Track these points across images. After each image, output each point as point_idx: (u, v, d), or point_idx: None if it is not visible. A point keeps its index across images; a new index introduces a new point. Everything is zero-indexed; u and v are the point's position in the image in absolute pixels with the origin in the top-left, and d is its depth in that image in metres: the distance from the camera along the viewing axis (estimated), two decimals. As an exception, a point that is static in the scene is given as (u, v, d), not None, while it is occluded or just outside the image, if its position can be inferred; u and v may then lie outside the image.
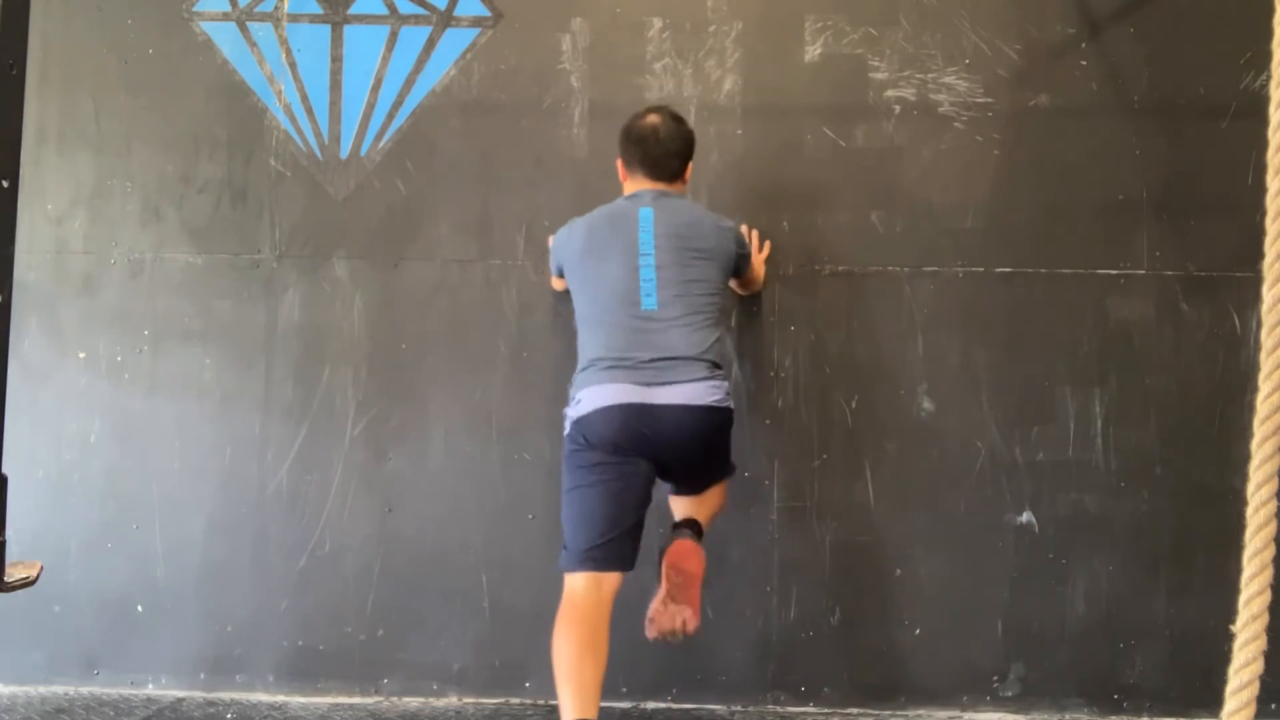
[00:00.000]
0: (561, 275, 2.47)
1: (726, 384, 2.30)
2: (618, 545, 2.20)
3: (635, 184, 2.41)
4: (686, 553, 2.26)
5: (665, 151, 2.38)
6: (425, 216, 2.82)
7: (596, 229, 2.35)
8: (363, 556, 2.75)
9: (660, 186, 2.38)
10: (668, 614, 2.23)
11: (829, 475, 2.72)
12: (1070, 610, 2.67)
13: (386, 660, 2.73)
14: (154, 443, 2.79)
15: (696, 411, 2.21)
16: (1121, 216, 2.74)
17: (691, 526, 2.35)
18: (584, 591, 2.18)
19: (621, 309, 2.25)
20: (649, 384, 2.19)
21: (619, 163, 2.45)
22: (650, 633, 2.25)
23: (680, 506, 2.43)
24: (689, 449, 2.26)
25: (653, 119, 2.40)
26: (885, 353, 2.74)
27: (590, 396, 2.22)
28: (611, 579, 2.20)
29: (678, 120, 2.42)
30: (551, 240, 2.53)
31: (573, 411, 2.26)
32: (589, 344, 2.30)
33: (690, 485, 2.40)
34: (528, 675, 2.70)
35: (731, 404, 2.32)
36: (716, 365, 2.28)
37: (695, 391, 2.21)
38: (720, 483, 2.45)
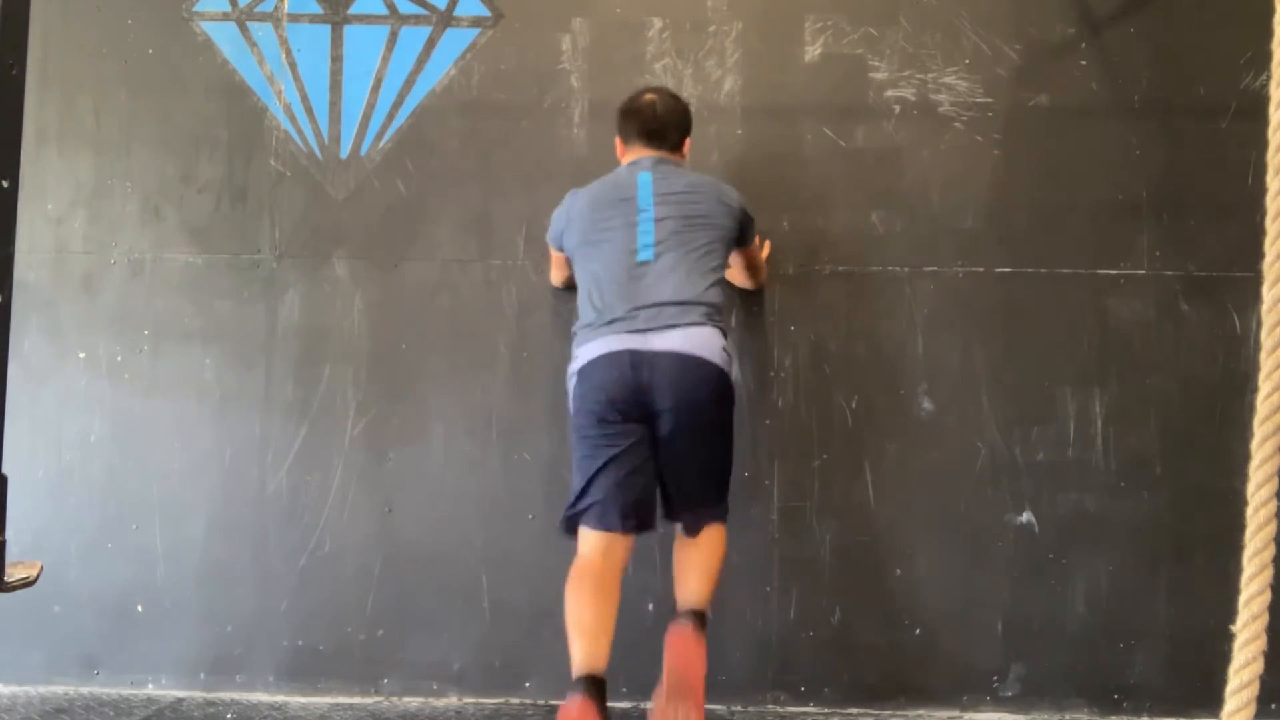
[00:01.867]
0: (560, 249, 2.47)
1: (725, 336, 2.27)
2: (627, 504, 2.21)
3: (633, 153, 2.43)
4: (690, 660, 2.13)
5: (663, 123, 2.41)
6: (425, 216, 2.82)
7: (598, 196, 2.37)
8: (363, 556, 2.75)
9: (659, 154, 2.40)
10: (669, 711, 2.10)
11: (829, 475, 2.72)
12: (1070, 610, 2.67)
13: (386, 660, 2.73)
14: (154, 443, 2.79)
15: (691, 361, 2.20)
16: (1121, 216, 2.74)
17: (696, 621, 2.22)
18: (593, 553, 2.20)
19: (619, 264, 2.27)
20: (644, 330, 2.20)
21: (617, 140, 2.47)
22: None
23: (683, 573, 2.33)
24: (684, 404, 2.21)
25: (650, 95, 2.45)
26: (885, 353, 2.74)
27: (587, 350, 2.25)
28: (622, 541, 2.21)
29: (674, 97, 2.47)
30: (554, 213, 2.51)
31: (572, 368, 2.29)
32: (586, 303, 2.31)
33: (687, 488, 2.32)
34: (528, 675, 2.70)
35: (730, 370, 2.29)
36: (715, 312, 2.27)
37: (690, 338, 2.20)
38: (717, 525, 2.37)
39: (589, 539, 2.22)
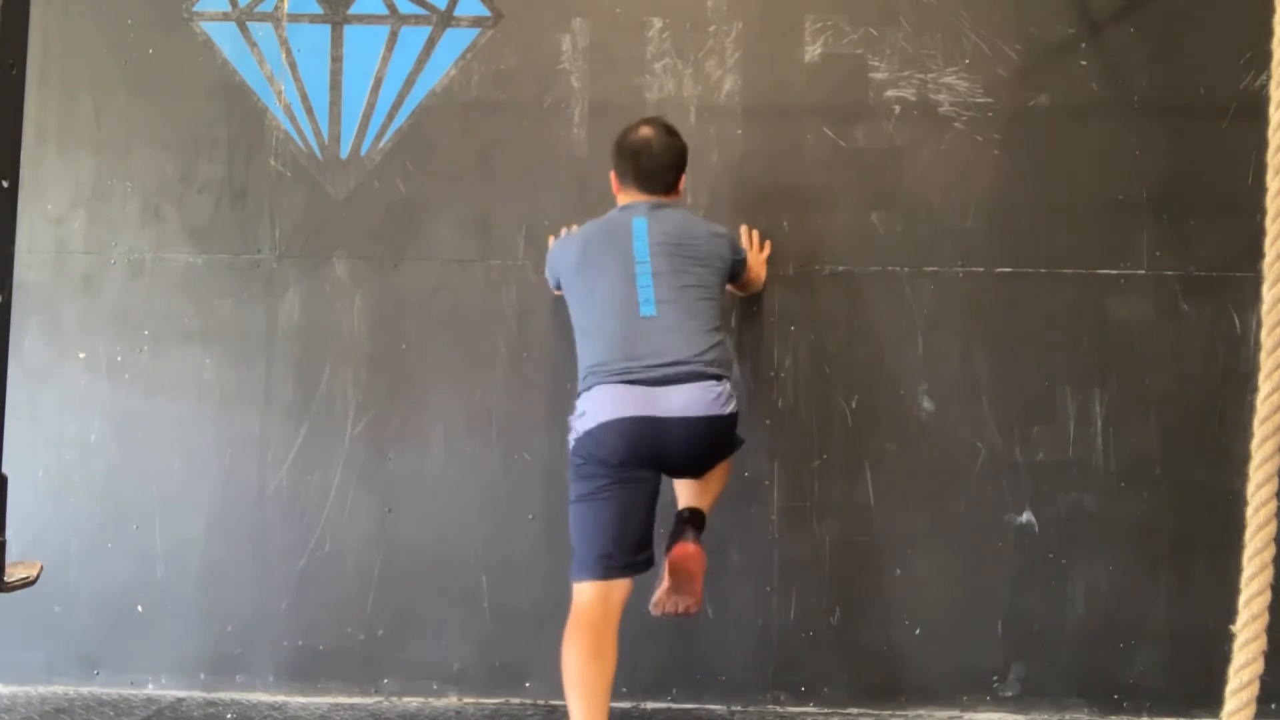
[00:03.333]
0: (559, 288, 2.48)
1: (730, 389, 2.28)
2: (627, 554, 2.20)
3: (628, 196, 2.41)
4: (688, 557, 2.30)
5: (658, 165, 2.37)
6: (425, 216, 2.82)
7: (591, 241, 2.35)
8: (363, 556, 2.75)
9: (654, 199, 2.38)
10: (671, 601, 2.35)
11: (829, 475, 2.72)
12: (1070, 610, 2.67)
13: (386, 660, 2.73)
14: (154, 443, 2.79)
15: (700, 423, 2.21)
16: (1121, 216, 2.74)
17: (694, 520, 2.37)
18: (591, 602, 2.18)
19: (619, 317, 2.25)
20: (651, 391, 2.19)
21: (612, 175, 2.45)
22: (654, 611, 2.36)
23: (685, 488, 2.45)
24: (693, 455, 2.28)
25: (645, 132, 2.39)
26: (885, 353, 2.74)
27: (594, 409, 2.20)
28: (620, 588, 2.20)
29: (670, 133, 2.41)
30: (549, 250, 2.54)
31: (577, 424, 2.24)
32: (588, 354, 2.29)
33: (697, 475, 2.42)
34: (528, 675, 2.70)
35: (735, 407, 2.29)
36: (719, 369, 2.26)
37: (697, 398, 2.20)
38: (725, 460, 2.44)
39: (586, 588, 2.19)
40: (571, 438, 2.27)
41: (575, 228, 2.53)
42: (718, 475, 2.46)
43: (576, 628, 2.17)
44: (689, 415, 2.19)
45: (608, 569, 2.19)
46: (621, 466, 2.19)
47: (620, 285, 2.26)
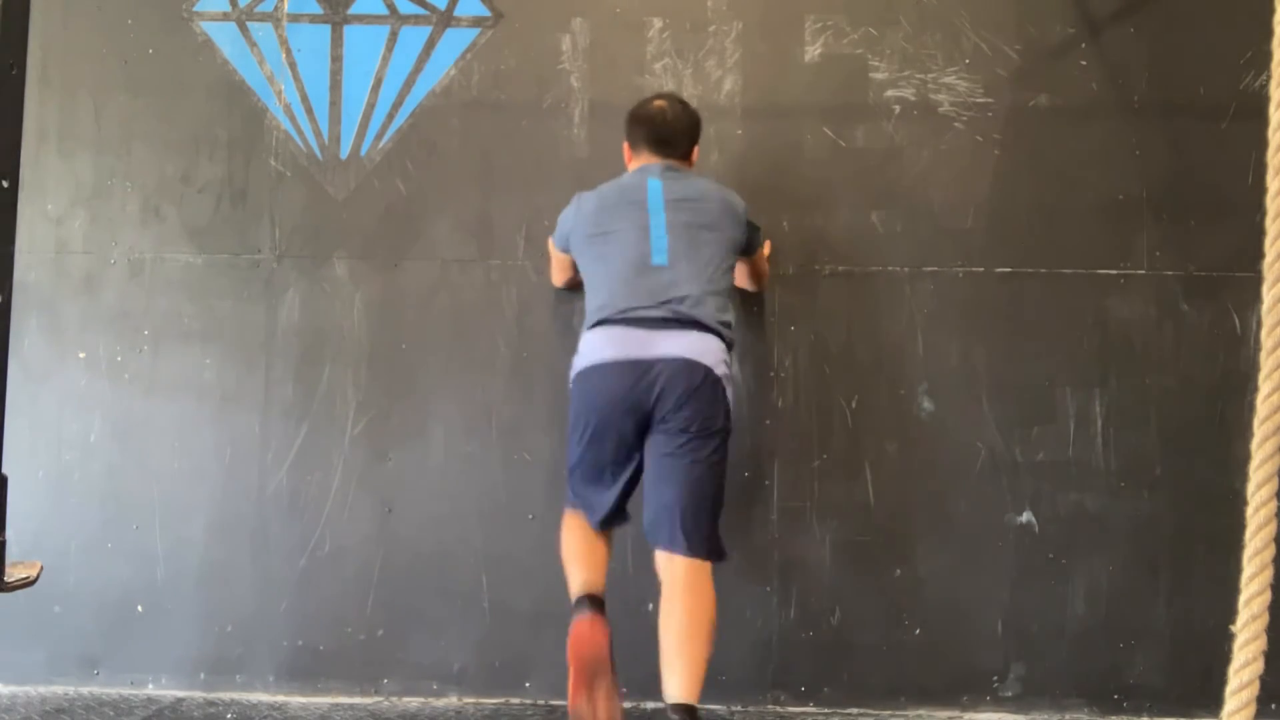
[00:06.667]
0: (565, 250, 2.48)
1: (728, 354, 2.28)
2: (606, 502, 2.33)
3: (642, 160, 2.44)
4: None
5: (672, 131, 2.41)
6: (425, 216, 2.82)
7: (606, 198, 2.38)
8: (363, 556, 2.75)
9: (667, 162, 2.41)
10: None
11: (829, 475, 2.72)
12: (1070, 610, 2.67)
13: (386, 660, 2.73)
14: (154, 443, 2.79)
15: (694, 365, 2.20)
16: (1121, 216, 2.74)
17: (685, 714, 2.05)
18: (574, 518, 2.39)
19: (631, 265, 2.27)
20: (651, 327, 2.21)
21: (625, 146, 2.47)
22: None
23: (668, 645, 2.11)
24: (678, 402, 2.19)
25: (659, 102, 2.45)
26: (885, 353, 2.74)
27: (587, 349, 2.28)
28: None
29: (684, 104, 2.47)
30: (561, 214, 2.52)
31: (575, 362, 2.33)
32: (595, 301, 2.32)
33: (670, 500, 2.20)
34: (528, 675, 2.70)
35: (727, 372, 2.25)
36: (722, 326, 2.27)
37: (694, 344, 2.21)
38: (702, 564, 2.20)
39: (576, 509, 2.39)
40: (571, 373, 2.35)
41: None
42: (701, 610, 2.14)
43: (568, 527, 2.39)
44: (680, 356, 2.20)
45: (579, 506, 2.37)
46: (604, 435, 2.26)
47: (634, 239, 2.29)
